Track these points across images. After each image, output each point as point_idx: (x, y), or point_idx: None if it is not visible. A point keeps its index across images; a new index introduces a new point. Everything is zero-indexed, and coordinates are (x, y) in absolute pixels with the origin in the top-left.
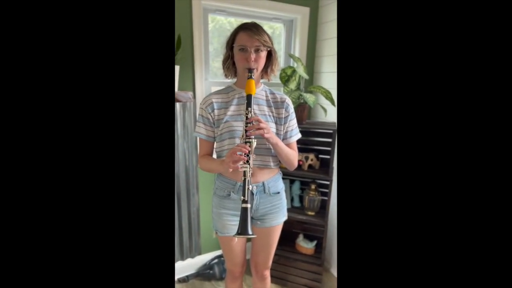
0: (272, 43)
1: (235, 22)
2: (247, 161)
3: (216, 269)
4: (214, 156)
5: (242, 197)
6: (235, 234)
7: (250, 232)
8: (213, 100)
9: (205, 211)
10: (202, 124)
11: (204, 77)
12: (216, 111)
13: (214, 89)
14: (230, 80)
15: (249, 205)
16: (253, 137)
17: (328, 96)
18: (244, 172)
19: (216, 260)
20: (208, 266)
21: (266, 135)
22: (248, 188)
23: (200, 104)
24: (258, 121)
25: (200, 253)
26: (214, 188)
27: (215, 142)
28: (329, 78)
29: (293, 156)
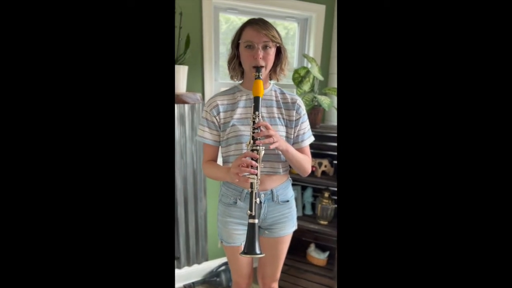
0: (281, 39)
1: None
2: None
3: (223, 277)
4: (220, 160)
5: (249, 212)
6: (241, 253)
7: (258, 251)
8: (218, 102)
9: (213, 216)
10: (207, 128)
11: (214, 77)
12: (221, 114)
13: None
14: (241, 81)
15: (256, 221)
16: (260, 144)
17: None
18: (251, 184)
19: (223, 267)
20: (214, 274)
21: (274, 145)
22: (255, 202)
23: (204, 106)
24: (266, 127)
25: (207, 259)
26: (219, 195)
27: (220, 147)
28: None
29: (305, 162)
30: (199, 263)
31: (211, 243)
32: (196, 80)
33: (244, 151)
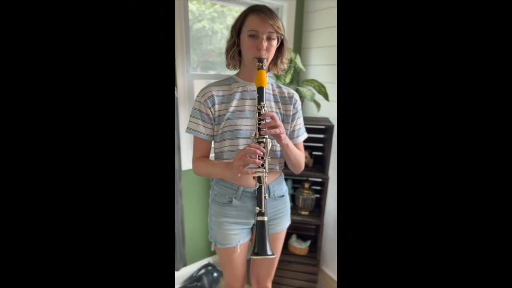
0: (284, 31)
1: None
2: (262, 165)
3: (205, 280)
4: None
5: (258, 208)
6: (252, 254)
7: (269, 252)
8: (214, 93)
9: (190, 218)
10: (201, 121)
11: (186, 69)
12: (216, 106)
13: (198, 82)
14: (214, 73)
15: (266, 218)
16: (267, 136)
17: (321, 90)
18: (259, 178)
19: (203, 270)
20: (195, 278)
21: (282, 135)
22: (264, 197)
23: (197, 97)
24: (273, 118)
25: (185, 264)
26: (212, 194)
27: (213, 142)
28: (318, 71)
29: (302, 158)
30: (177, 269)
31: (189, 246)
32: None
33: (240, 146)
